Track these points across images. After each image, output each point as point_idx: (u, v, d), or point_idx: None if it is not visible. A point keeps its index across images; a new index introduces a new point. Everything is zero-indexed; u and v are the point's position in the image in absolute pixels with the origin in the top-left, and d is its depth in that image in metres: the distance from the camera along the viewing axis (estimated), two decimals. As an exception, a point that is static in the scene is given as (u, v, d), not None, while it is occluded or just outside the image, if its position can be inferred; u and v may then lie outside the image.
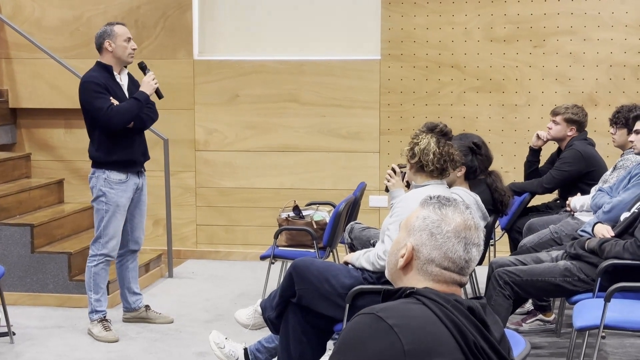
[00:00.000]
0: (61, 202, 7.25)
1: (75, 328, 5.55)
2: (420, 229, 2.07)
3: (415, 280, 2.07)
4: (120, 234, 5.37)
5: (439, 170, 4.15)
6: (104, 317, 5.37)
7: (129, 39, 5.29)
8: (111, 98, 5.16)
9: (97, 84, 5.17)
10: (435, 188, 4.07)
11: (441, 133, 4.21)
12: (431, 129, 4.22)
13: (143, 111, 5.28)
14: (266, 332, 4.45)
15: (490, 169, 4.99)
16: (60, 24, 7.56)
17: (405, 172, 4.35)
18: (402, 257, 2.08)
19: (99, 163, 5.30)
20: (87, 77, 5.25)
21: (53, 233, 6.46)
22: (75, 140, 7.47)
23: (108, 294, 5.57)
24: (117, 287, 5.73)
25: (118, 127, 5.19)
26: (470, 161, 4.75)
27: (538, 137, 6.04)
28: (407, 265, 2.08)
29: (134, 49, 5.32)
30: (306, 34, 7.50)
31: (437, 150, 4.13)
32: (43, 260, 6.10)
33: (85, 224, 6.82)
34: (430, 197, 2.13)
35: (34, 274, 6.09)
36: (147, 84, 5.28)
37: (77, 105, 5.35)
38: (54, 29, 7.56)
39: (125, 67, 5.39)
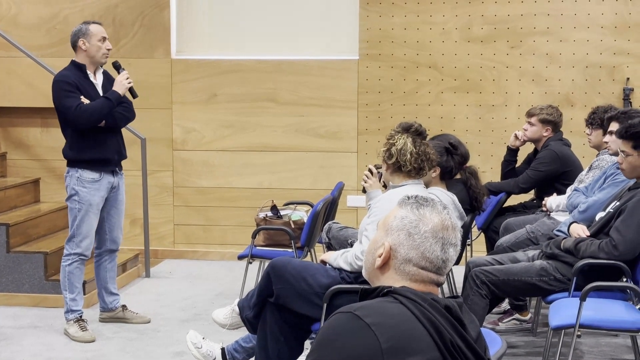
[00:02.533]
0: (37, 201, 7.21)
1: (51, 328, 5.51)
2: (398, 229, 2.07)
3: (392, 280, 2.07)
4: (93, 233, 5.33)
5: (416, 170, 4.17)
6: (80, 316, 5.34)
7: (103, 39, 5.23)
8: (82, 97, 5.13)
9: (67, 83, 5.13)
10: (413, 188, 4.09)
11: (416, 133, 4.22)
12: (406, 128, 4.23)
13: (115, 110, 5.23)
14: (244, 332, 4.44)
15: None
16: (36, 22, 7.51)
17: (382, 173, 4.35)
18: (380, 256, 2.08)
19: (72, 161, 5.26)
20: (58, 76, 5.22)
21: (29, 232, 6.41)
22: (51, 139, 7.42)
23: (84, 294, 5.54)
24: (94, 287, 5.70)
25: (86, 126, 5.14)
26: (445, 162, 4.75)
27: (516, 137, 6.08)
28: (384, 265, 2.08)
29: (108, 49, 5.25)
30: (284, 33, 7.49)
31: (414, 150, 4.14)
32: (19, 260, 6.05)
33: (61, 223, 6.77)
34: (408, 197, 2.13)
35: (9, 273, 6.05)
36: (119, 84, 5.24)
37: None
38: (31, 27, 7.50)
39: (101, 66, 5.36)
